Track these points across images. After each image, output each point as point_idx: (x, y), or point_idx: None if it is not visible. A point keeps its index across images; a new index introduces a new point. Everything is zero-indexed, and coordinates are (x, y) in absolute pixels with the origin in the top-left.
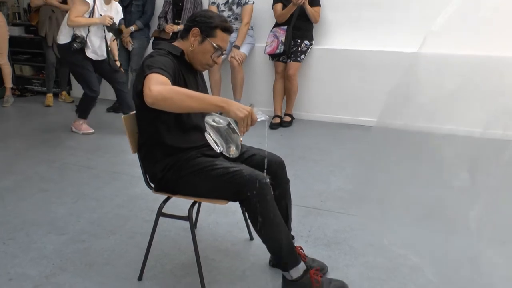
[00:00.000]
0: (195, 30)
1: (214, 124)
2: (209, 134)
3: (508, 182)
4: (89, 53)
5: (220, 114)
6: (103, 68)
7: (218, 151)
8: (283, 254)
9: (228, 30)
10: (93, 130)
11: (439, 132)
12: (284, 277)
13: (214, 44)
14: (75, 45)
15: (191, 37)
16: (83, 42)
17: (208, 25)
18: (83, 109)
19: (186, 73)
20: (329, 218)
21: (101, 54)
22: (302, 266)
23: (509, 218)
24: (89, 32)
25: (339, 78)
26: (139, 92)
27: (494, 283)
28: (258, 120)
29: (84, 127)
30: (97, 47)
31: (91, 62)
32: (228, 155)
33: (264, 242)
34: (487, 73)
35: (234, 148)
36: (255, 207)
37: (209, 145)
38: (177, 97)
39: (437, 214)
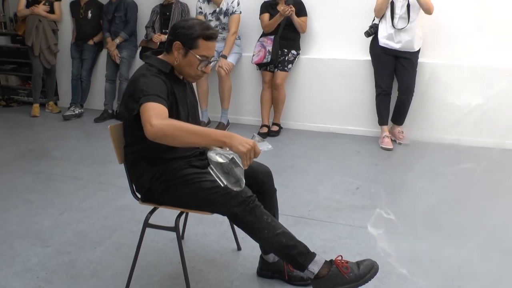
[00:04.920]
0: (177, 44)
1: (218, 160)
2: (212, 169)
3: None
4: None
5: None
6: None
7: (222, 186)
8: (292, 253)
9: (211, 37)
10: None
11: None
12: (311, 281)
13: (198, 56)
14: None
15: (174, 51)
16: None
17: (189, 37)
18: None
19: (176, 88)
20: (317, 227)
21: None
22: (320, 259)
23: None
24: None
25: (326, 87)
26: (131, 109)
27: None
28: (263, 150)
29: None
30: None
31: None
32: (232, 189)
33: (268, 250)
34: None
35: (237, 182)
36: (246, 222)
37: (197, 156)
38: (179, 134)
39: (426, 223)
